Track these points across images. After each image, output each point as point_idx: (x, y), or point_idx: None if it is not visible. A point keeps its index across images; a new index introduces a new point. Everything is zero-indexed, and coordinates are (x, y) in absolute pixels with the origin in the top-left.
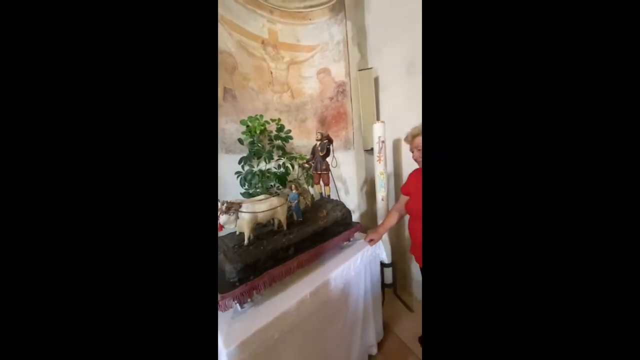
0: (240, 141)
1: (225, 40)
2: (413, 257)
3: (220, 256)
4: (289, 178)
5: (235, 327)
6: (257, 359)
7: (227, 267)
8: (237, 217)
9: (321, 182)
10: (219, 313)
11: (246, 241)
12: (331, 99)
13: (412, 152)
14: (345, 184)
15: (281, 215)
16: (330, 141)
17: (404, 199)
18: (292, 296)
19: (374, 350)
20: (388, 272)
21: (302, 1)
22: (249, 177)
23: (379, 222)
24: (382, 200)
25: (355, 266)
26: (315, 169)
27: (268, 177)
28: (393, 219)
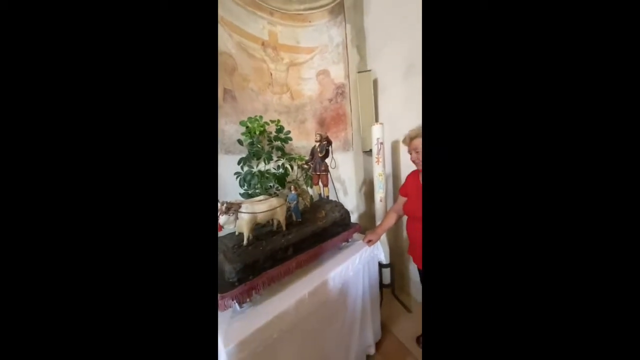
0: (240, 142)
1: (226, 41)
2: (411, 257)
3: (220, 256)
4: (288, 179)
5: (235, 327)
6: (256, 358)
7: (227, 267)
8: (237, 218)
9: (320, 183)
10: (219, 312)
11: (245, 241)
12: (330, 100)
13: (410, 154)
14: (344, 185)
15: (280, 216)
16: (329, 142)
17: (402, 200)
18: (291, 296)
19: (372, 351)
20: (386, 272)
21: (302, 3)
22: (248, 177)
23: (378, 223)
24: (381, 201)
25: (354, 266)
26: (314, 170)
27: (267, 177)
28: (391, 220)
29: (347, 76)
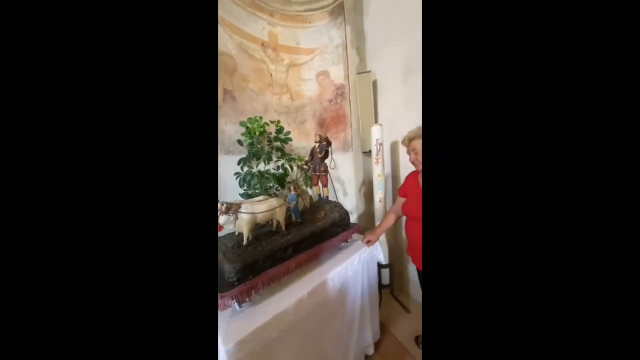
0: (240, 142)
1: (226, 42)
2: (410, 258)
3: (220, 256)
4: (288, 179)
5: (234, 326)
6: (255, 357)
7: (226, 267)
8: (236, 218)
9: (319, 184)
10: (218, 312)
11: (245, 241)
12: (330, 101)
13: (409, 155)
14: (343, 185)
15: (280, 216)
16: (329, 143)
17: (400, 200)
18: (290, 296)
19: (371, 351)
20: (385, 273)
21: (302, 4)
22: (248, 178)
23: (377, 223)
24: (380, 201)
25: (353, 267)
26: (314, 171)
27: (267, 178)
28: (390, 221)
29: (347, 77)
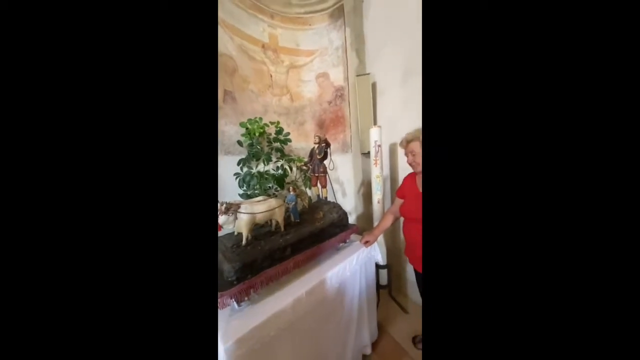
0: (240, 143)
1: (226, 43)
2: (408, 259)
3: (219, 256)
4: (287, 180)
5: (233, 324)
6: (253, 355)
7: (226, 266)
8: (236, 218)
9: (318, 184)
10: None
11: (244, 241)
12: (330, 102)
13: (407, 157)
14: (342, 186)
15: (279, 217)
16: (328, 145)
17: (398, 201)
18: (289, 295)
19: (368, 350)
20: (383, 273)
21: (303, 7)
22: (247, 178)
23: (375, 224)
24: (378, 202)
25: (351, 267)
26: (313, 172)
27: (266, 178)
28: (388, 221)
29: (347, 79)
